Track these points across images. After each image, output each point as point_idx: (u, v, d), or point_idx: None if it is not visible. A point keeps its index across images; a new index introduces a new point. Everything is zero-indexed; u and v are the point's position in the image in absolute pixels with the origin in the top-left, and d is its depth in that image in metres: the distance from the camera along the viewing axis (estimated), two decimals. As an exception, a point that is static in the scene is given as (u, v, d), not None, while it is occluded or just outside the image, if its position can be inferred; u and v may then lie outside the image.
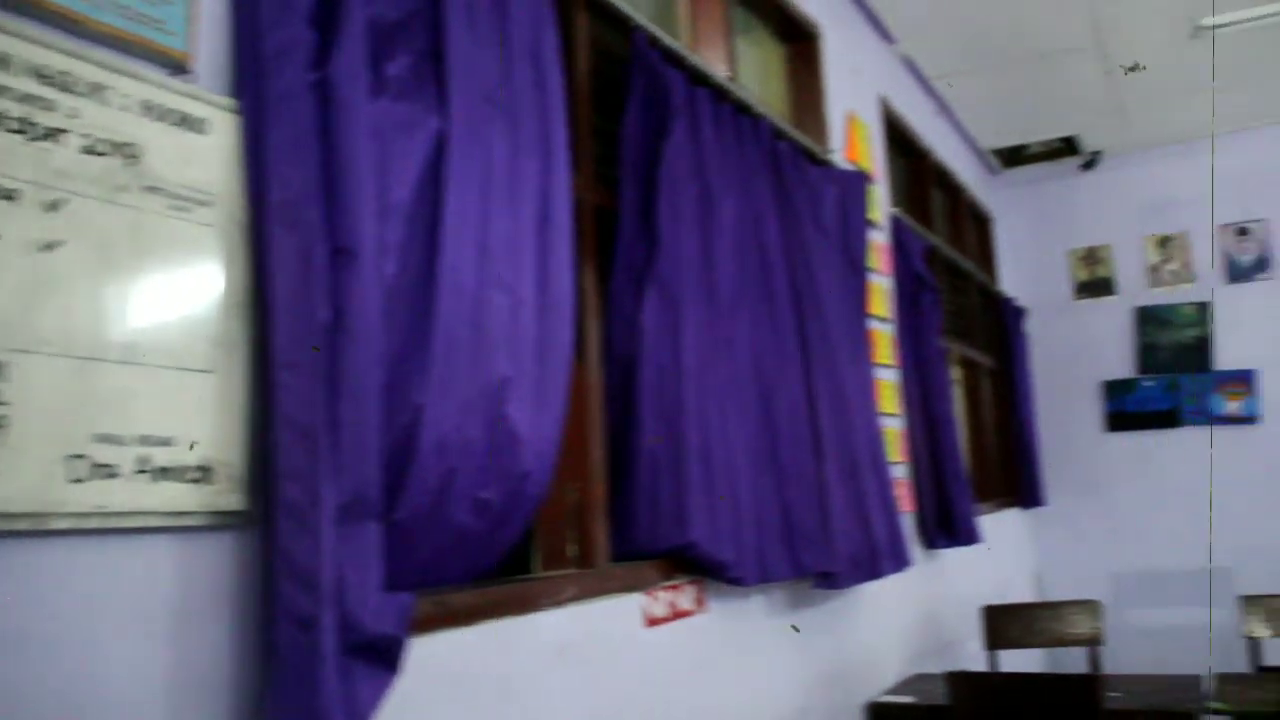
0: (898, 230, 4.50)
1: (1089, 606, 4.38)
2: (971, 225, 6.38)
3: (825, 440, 3.14)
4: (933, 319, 4.50)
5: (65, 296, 1.30)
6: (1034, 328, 6.78)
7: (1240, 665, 4.17)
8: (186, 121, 1.47)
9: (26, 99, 1.27)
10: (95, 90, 1.35)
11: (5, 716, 1.20)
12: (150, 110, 1.42)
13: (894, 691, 3.76)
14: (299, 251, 1.50)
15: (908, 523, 4.23)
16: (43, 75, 1.29)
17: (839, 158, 3.95)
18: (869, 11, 4.61)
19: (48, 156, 1.29)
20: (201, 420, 1.46)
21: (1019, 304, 6.70)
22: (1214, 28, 4.91)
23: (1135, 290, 6.66)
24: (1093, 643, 4.30)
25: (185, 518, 1.42)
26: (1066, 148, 6.71)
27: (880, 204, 4.40)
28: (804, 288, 3.21)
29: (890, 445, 4.04)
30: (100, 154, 1.35)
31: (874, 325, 4.05)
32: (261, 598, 1.50)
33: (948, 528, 4.46)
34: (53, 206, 1.29)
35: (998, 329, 6.48)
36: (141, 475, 1.37)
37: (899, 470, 4.19)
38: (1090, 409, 6.70)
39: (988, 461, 6.08)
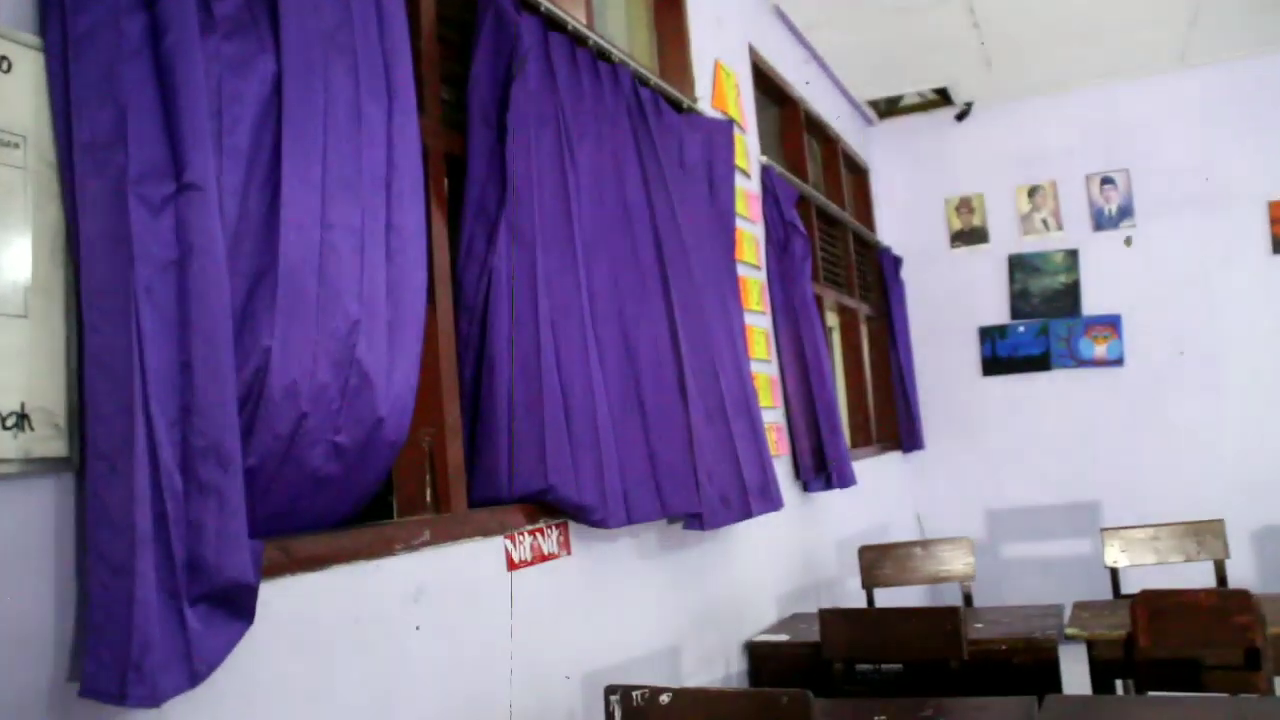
0: (768, 178, 4.56)
1: (961, 543, 4.52)
2: (848, 175, 6.49)
3: (690, 383, 3.17)
4: (804, 266, 4.58)
5: None
6: (912, 275, 6.95)
7: (1106, 594, 4.37)
8: (-15, 60, 1.43)
9: None
10: (-125, 26, 1.31)
11: None
12: (-58, 48, 1.38)
13: (771, 630, 3.86)
14: (109, 191, 1.48)
15: (783, 466, 4.32)
16: None
17: (706, 106, 3.98)
18: (737, -40, 4.63)
19: None
20: (18, 366, 1.43)
21: (896, 252, 6.85)
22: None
23: (1008, 238, 6.87)
24: (965, 578, 4.45)
25: (4, 465, 1.40)
26: (941, 98, 6.86)
27: (750, 152, 4.45)
28: (667, 234, 3.23)
29: (762, 390, 4.12)
30: (-115, 92, 1.31)
31: (744, 272, 4.11)
32: (82, 545, 1.48)
33: (823, 471, 4.57)
34: None
35: (875, 277, 6.63)
36: (-50, 423, 1.34)
37: (772, 415, 4.27)
38: (967, 354, 6.91)
39: (867, 406, 6.23)
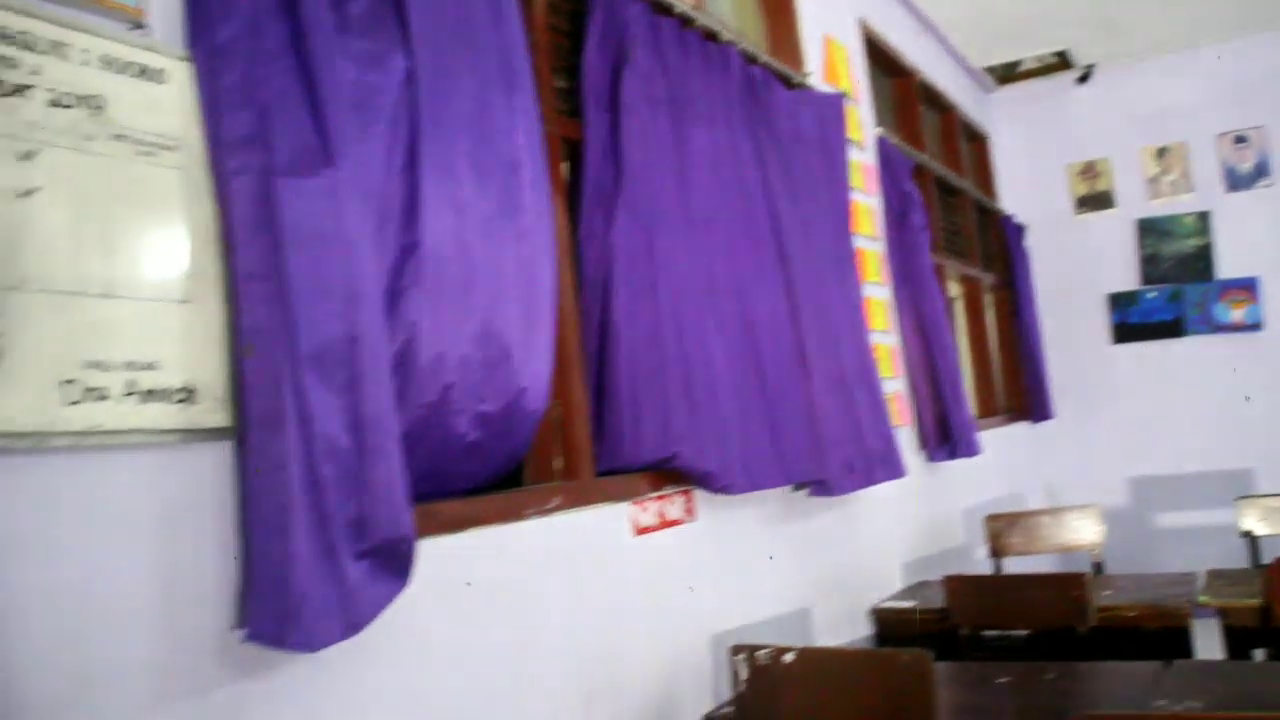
0: (883, 150, 4.56)
1: (1089, 511, 4.46)
2: (966, 143, 6.42)
3: (811, 354, 3.24)
4: (922, 236, 4.57)
5: (45, 237, 1.42)
6: (1036, 243, 6.82)
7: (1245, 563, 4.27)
8: (146, 73, 1.58)
9: (-7, 57, 1.39)
10: (56, 47, 1.47)
11: (8, 617, 1.34)
12: (110, 64, 1.54)
13: (897, 597, 3.89)
14: (255, 183, 1.62)
15: (906, 436, 4.34)
16: (5, 35, 1.41)
17: (817, 81, 4.01)
18: (844, -66, 4.63)
19: (18, 111, 1.41)
20: (183, 346, 1.58)
21: (1019, 220, 6.75)
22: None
23: (1135, 202, 6.69)
24: (1094, 546, 4.39)
25: (172, 435, 1.55)
26: (1061, 62, 6.71)
27: (864, 125, 4.46)
28: (782, 208, 3.29)
29: (883, 360, 4.14)
30: (67, 106, 1.47)
31: (861, 244, 4.14)
32: (243, 505, 1.63)
33: (946, 440, 4.57)
34: (26, 156, 1.41)
35: (998, 245, 6.54)
36: (130, 397, 1.50)
37: (894, 385, 4.29)
38: (1096, 322, 6.75)
39: (992, 376, 6.16)
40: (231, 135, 1.65)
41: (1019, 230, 6.70)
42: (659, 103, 2.83)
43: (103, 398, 1.46)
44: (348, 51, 1.88)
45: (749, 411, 2.95)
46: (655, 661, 2.58)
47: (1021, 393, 6.46)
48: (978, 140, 6.77)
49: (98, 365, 1.46)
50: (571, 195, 2.70)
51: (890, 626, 3.73)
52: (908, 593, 3.96)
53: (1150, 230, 6.63)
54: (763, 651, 2.43)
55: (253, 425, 1.59)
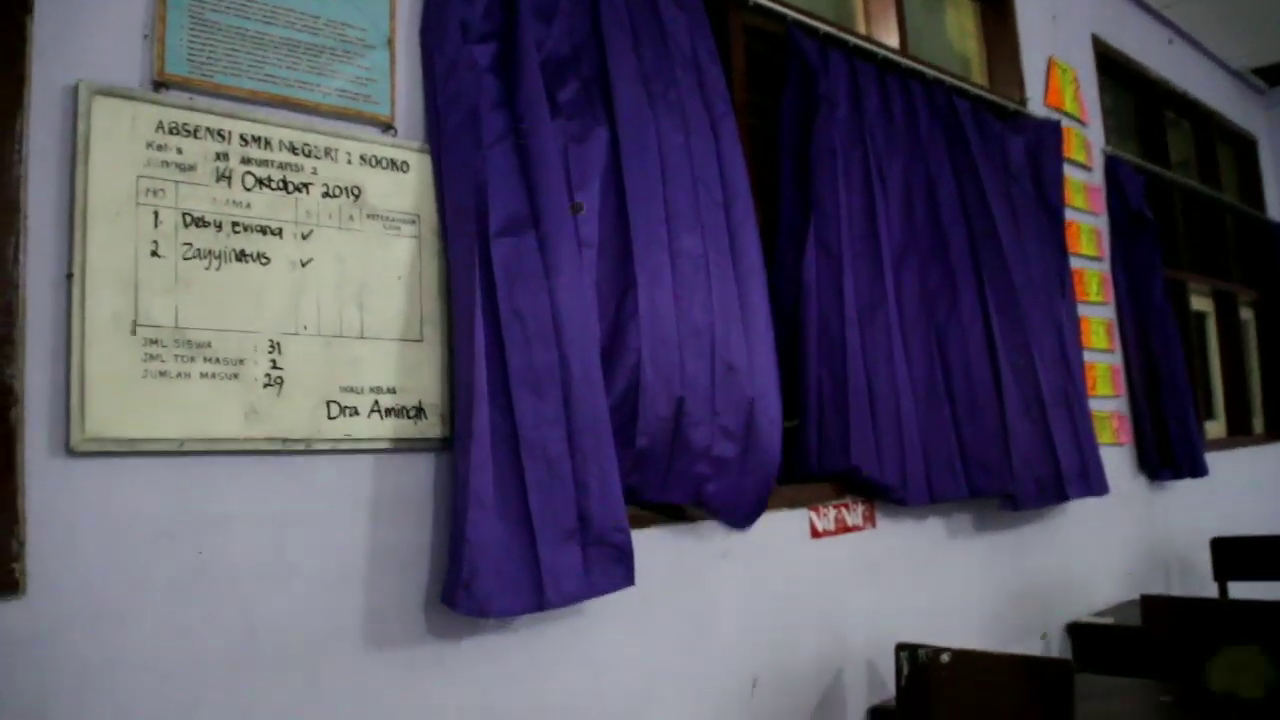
0: (1112, 169, 4.57)
1: (1333, 542, 4.30)
2: (1228, 150, 6.18)
3: (1005, 375, 3.38)
4: (1153, 255, 4.55)
5: (316, 295, 1.91)
6: (1309, 253, 6.46)
7: None
8: (393, 165, 2.05)
9: (283, 165, 1.89)
10: (328, 152, 1.96)
11: (297, 572, 1.83)
12: (367, 161, 2.01)
13: (1101, 614, 3.95)
14: (468, 247, 2.03)
15: (1125, 455, 4.36)
16: (293, 148, 1.91)
17: (1038, 106, 4.11)
18: (1078, -48, 4.66)
19: (299, 203, 1.91)
20: (417, 375, 2.04)
21: (1289, 229, 6.43)
22: None
23: None
24: (1333, 577, 4.22)
25: (404, 443, 2.01)
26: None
27: (1092, 145, 4.49)
28: (983, 238, 3.45)
29: (1102, 379, 4.20)
30: (335, 196, 1.96)
31: (1082, 264, 4.20)
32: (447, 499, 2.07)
33: (1170, 460, 4.53)
34: (305, 236, 1.90)
35: (1263, 257, 6.25)
36: (374, 414, 1.97)
37: (1114, 404, 4.32)
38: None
39: (1248, 395, 5.93)
40: (455, 206, 2.08)
41: (1288, 239, 6.38)
42: (855, 145, 3.09)
43: (354, 414, 1.94)
44: (559, 132, 2.28)
45: (934, 430, 3.16)
46: (824, 656, 2.85)
47: (1281, 412, 6.18)
48: (1244, 145, 6.48)
49: (351, 390, 1.94)
50: (764, 226, 3.00)
51: (1087, 641, 3.80)
52: (1112, 610, 4.01)
53: None
54: (922, 650, 2.67)
55: (460, 436, 2.01)
